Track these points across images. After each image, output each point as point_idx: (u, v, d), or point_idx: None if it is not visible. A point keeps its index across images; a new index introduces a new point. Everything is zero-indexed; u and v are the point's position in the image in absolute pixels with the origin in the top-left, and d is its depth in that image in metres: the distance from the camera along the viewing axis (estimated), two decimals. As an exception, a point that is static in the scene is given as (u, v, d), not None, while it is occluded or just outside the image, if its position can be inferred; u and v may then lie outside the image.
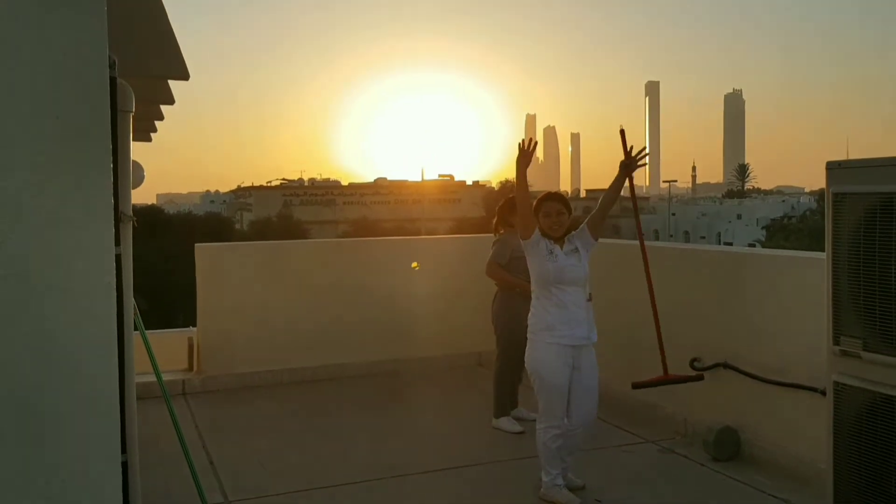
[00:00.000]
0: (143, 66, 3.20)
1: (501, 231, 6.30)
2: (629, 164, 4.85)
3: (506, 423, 6.21)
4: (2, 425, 1.74)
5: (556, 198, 4.90)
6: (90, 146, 1.88)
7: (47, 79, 1.81)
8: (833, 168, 3.49)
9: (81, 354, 1.83)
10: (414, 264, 6.01)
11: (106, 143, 1.92)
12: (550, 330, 4.65)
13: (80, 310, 1.83)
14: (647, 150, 4.75)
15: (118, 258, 2.50)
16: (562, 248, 4.75)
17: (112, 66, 2.50)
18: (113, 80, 2.53)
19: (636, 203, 5.34)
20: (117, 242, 2.51)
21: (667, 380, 5.11)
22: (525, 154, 4.58)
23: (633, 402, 6.47)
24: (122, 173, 2.73)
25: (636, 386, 5.02)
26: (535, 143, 4.72)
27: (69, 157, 1.84)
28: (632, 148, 4.83)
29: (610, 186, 4.96)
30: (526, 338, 6.05)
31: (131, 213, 2.88)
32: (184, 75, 3.39)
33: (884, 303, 3.24)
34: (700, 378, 5.08)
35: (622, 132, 4.93)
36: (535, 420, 4.97)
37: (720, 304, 5.76)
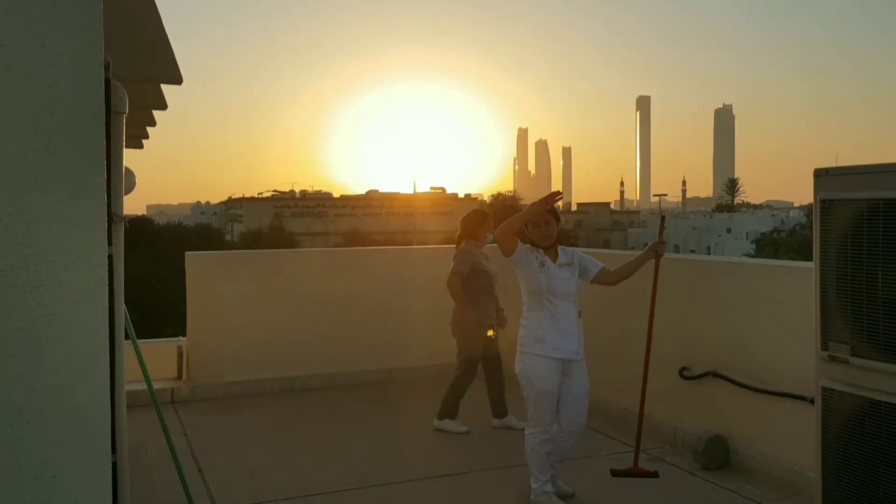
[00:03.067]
0: (137, 70, 3.22)
1: (463, 243, 6.40)
2: (657, 246, 4.87)
3: (450, 424, 6.32)
4: (-8, 420, 1.74)
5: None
6: (84, 144, 1.89)
7: (43, 78, 1.82)
8: (821, 175, 3.53)
9: (73, 350, 1.84)
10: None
11: (100, 142, 1.93)
12: (541, 342, 4.66)
13: (72, 305, 1.83)
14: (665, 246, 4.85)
15: (110, 258, 2.51)
16: (554, 260, 4.77)
17: (107, 67, 2.51)
18: (107, 82, 2.54)
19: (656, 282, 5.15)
20: (109, 242, 2.52)
21: (637, 473, 4.89)
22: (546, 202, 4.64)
23: (623, 412, 6.48)
24: (115, 174, 2.73)
25: (615, 473, 4.85)
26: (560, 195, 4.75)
27: (63, 155, 1.85)
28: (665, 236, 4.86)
29: (635, 260, 4.94)
30: (483, 345, 6.21)
31: (123, 214, 2.89)
32: (177, 79, 3.40)
33: (871, 308, 3.26)
34: (655, 475, 4.93)
35: (663, 218, 4.95)
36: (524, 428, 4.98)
37: (709, 314, 5.78)
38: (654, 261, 4.91)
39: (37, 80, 1.81)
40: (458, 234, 6.52)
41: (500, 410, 6.44)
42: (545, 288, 4.67)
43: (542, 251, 4.77)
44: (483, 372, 6.45)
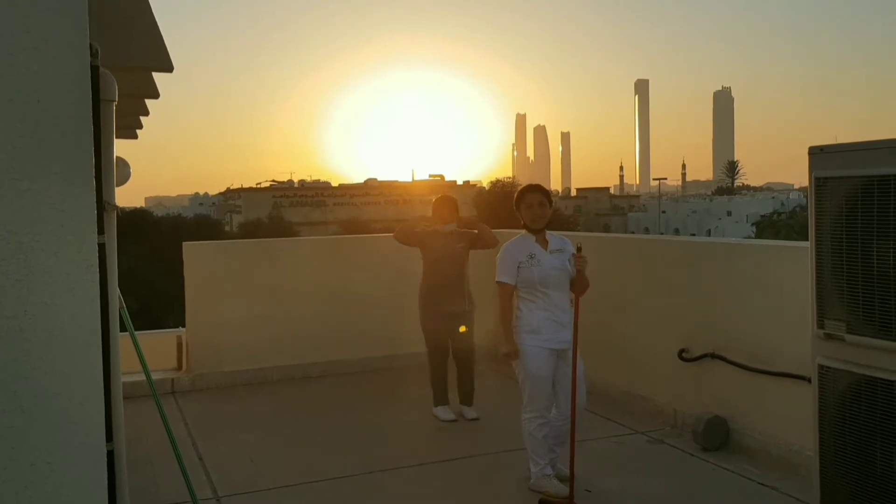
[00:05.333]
0: (126, 58, 3.19)
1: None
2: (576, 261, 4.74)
3: (439, 411, 6.37)
4: (-16, 408, 1.74)
5: (536, 189, 4.95)
6: (72, 131, 1.88)
7: (28, 63, 1.80)
8: (815, 153, 3.52)
9: (64, 337, 1.83)
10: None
11: (88, 129, 1.92)
12: (536, 333, 4.67)
13: (63, 293, 1.83)
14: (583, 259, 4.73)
15: (102, 247, 2.50)
16: (544, 247, 4.75)
17: (94, 54, 2.50)
18: (95, 69, 2.52)
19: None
20: (101, 231, 2.51)
21: None
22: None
23: (622, 394, 6.51)
24: (106, 163, 2.72)
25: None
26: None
27: (51, 142, 1.84)
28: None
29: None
30: (440, 327, 6.31)
31: (115, 202, 2.88)
32: (167, 67, 3.38)
33: (866, 285, 3.26)
34: None
35: (579, 248, 4.77)
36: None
37: (708, 295, 5.79)
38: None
39: (22, 66, 1.79)
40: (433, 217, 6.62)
41: (466, 398, 6.49)
42: (538, 280, 4.67)
43: (530, 239, 4.76)
44: (454, 361, 6.51)
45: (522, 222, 4.84)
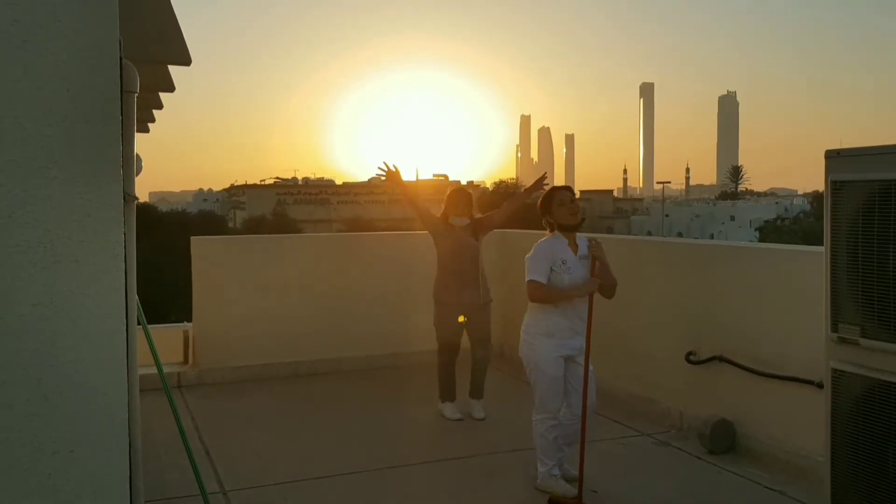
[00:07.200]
0: (144, 50, 3.20)
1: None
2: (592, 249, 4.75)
3: (444, 408, 6.34)
4: (9, 394, 1.74)
5: (566, 188, 5.00)
6: (100, 122, 1.88)
7: (58, 54, 1.81)
8: (832, 157, 3.51)
9: (89, 326, 1.84)
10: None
11: (115, 119, 1.93)
12: (550, 336, 4.66)
13: (89, 282, 1.83)
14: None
15: (123, 238, 2.50)
16: (574, 250, 4.71)
17: (119, 46, 2.49)
18: (120, 60, 2.52)
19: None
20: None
21: None
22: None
23: (629, 396, 6.51)
24: (127, 154, 2.72)
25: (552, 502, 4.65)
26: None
27: (79, 132, 1.84)
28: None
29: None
30: (454, 321, 6.21)
31: (135, 193, 2.88)
32: (185, 60, 3.38)
33: (882, 289, 3.26)
34: None
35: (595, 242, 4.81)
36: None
37: (715, 298, 5.79)
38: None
39: (52, 56, 1.80)
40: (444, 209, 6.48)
41: (475, 392, 6.43)
42: (567, 288, 4.64)
43: (562, 241, 4.71)
44: (470, 353, 6.45)
45: (552, 226, 4.78)
